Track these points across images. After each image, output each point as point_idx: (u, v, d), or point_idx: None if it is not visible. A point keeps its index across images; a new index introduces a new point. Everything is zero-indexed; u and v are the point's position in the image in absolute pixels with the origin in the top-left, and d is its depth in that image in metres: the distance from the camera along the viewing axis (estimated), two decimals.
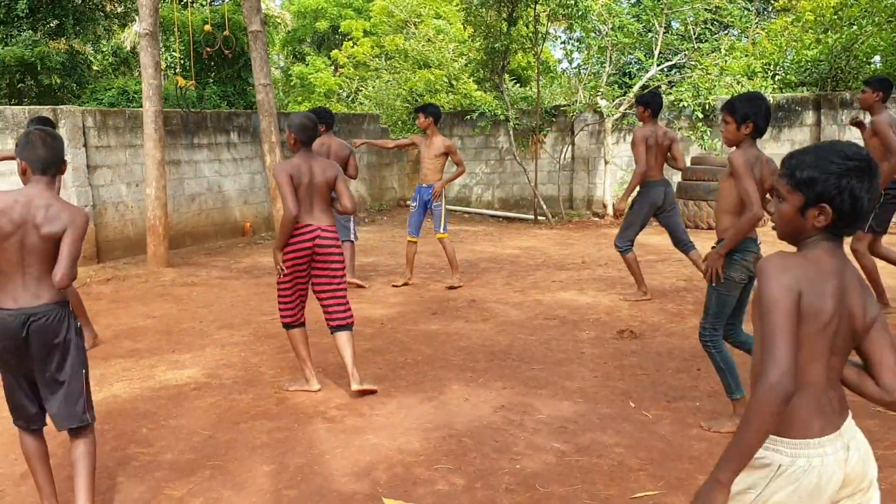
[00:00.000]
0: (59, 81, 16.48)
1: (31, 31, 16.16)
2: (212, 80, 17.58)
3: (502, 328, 6.71)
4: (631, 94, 14.21)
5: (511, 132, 15.08)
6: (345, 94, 25.10)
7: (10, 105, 13.46)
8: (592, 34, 14.88)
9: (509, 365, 5.67)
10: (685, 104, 13.69)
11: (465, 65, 17.35)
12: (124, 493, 3.76)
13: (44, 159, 3.27)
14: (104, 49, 20.59)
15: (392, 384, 5.31)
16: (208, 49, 13.82)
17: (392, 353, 6.06)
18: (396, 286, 8.58)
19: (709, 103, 13.50)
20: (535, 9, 13.93)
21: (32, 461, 3.41)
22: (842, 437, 1.98)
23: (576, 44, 16.72)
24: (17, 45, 15.44)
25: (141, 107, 10.74)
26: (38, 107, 10.33)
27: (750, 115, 4.11)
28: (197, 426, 4.62)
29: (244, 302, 8.08)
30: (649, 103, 7.40)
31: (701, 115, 13.53)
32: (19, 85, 16.53)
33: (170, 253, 10.37)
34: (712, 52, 14.30)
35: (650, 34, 14.82)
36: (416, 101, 18.53)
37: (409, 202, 8.63)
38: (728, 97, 11.47)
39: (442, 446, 4.22)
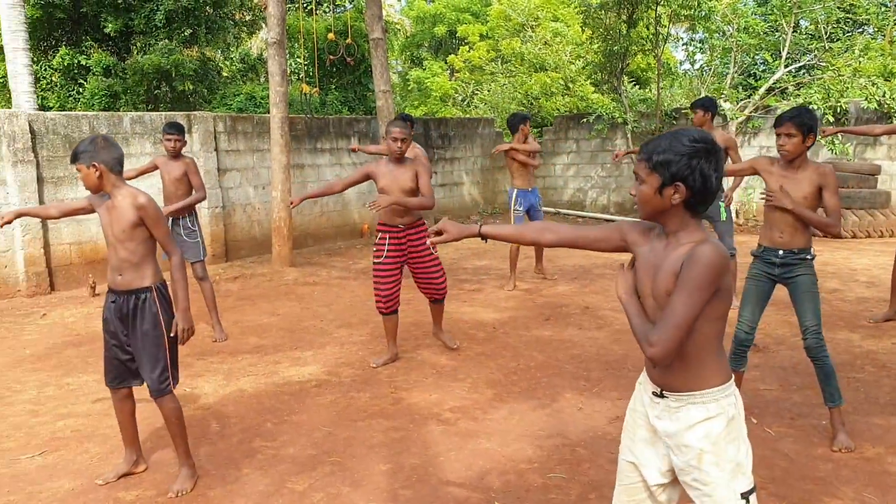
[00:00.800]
0: (191, 87, 17.36)
1: (167, 40, 17.09)
2: (333, 87, 18.12)
3: (617, 337, 6.62)
4: (756, 97, 13.70)
5: (629, 135, 14.83)
6: (460, 98, 25.33)
7: (148, 111, 14.34)
8: (716, 35, 14.44)
9: (625, 375, 5.59)
10: (815, 107, 13.08)
11: (583, 67, 17.19)
12: (250, 485, 3.95)
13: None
14: (233, 56, 21.57)
15: (504, 389, 5.35)
16: (331, 57, 14.27)
17: (504, 358, 6.10)
18: (509, 290, 8.64)
19: (840, 106, 12.84)
20: (655, 10, 13.65)
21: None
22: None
23: (698, 45, 16.27)
24: (154, 54, 16.38)
25: (267, 112, 11.22)
26: (173, 112, 10.95)
27: (814, 129, 4.05)
28: (317, 422, 4.81)
29: (362, 302, 8.31)
30: (709, 107, 7.32)
31: (832, 119, 12.89)
32: (156, 91, 17.52)
33: (293, 253, 10.78)
34: (845, 51, 13.60)
35: (777, 34, 14.24)
36: (532, 104, 18.53)
37: (517, 207, 8.70)
38: (858, 99, 10.83)
39: (555, 455, 4.22)
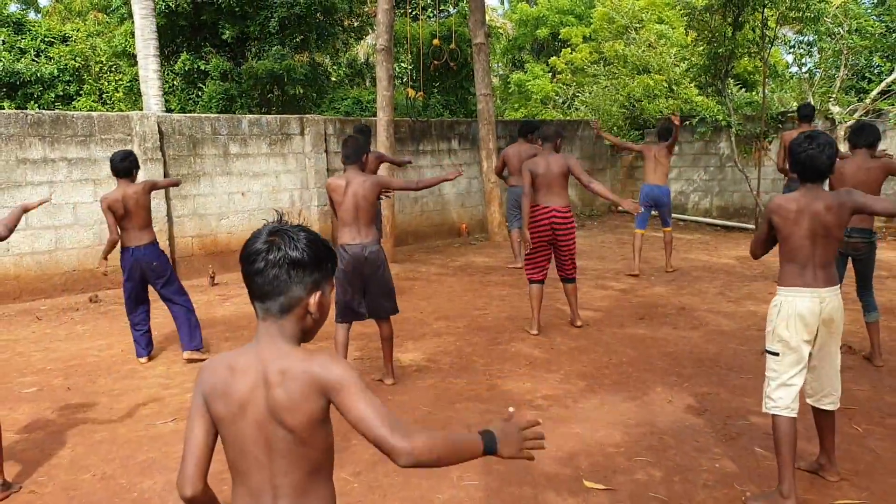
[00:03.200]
0: (301, 92, 18.17)
1: (280, 46, 17.97)
2: (436, 90, 18.60)
3: (712, 337, 6.71)
4: (867, 100, 13.30)
5: (733, 138, 14.64)
6: (560, 101, 25.39)
7: (261, 113, 15.15)
8: (826, 37, 14.07)
9: (717, 373, 5.70)
10: None
11: (686, 70, 17.03)
12: (357, 454, 4.33)
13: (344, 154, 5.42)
14: (341, 61, 22.40)
15: (596, 381, 5.56)
16: (435, 62, 14.70)
17: (596, 353, 6.30)
18: (632, 274, 9.52)
19: None
20: (762, 12, 13.43)
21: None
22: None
23: (806, 47, 15.86)
24: (267, 59, 17.26)
25: (373, 115, 11.72)
26: (285, 115, 11.60)
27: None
28: (418, 403, 5.16)
29: (459, 296, 8.64)
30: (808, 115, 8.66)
31: None
32: (269, 95, 18.43)
33: (395, 250, 11.24)
34: None
35: (894, 35, 13.76)
36: (633, 106, 18.46)
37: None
38: None
39: (642, 441, 4.42)
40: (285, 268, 1.82)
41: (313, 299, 1.87)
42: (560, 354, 6.28)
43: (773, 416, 3.59)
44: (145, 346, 6.34)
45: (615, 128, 18.97)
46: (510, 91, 29.20)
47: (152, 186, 6.30)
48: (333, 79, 21.88)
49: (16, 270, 8.83)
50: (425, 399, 5.24)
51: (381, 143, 10.89)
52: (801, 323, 3.57)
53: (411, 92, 12.86)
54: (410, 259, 11.40)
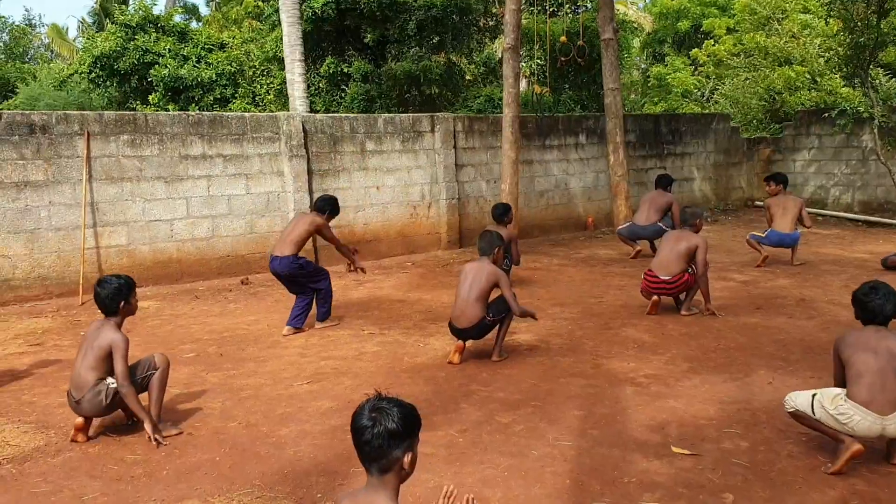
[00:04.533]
0: (437, 91, 18.90)
1: (417, 48, 18.76)
2: (567, 86, 18.81)
3: (827, 326, 6.70)
4: None
5: (876, 130, 14.03)
6: (699, 94, 24.89)
7: (399, 112, 15.93)
8: None
9: (824, 359, 5.74)
10: None
11: (826, 61, 16.43)
12: (466, 415, 4.79)
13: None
14: (476, 60, 22.99)
15: (700, 364, 5.76)
16: (563, 59, 14.96)
17: (706, 338, 6.47)
18: (760, 264, 9.66)
19: None
20: None
21: None
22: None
23: None
24: (406, 61, 18.08)
25: (501, 112, 12.13)
26: (417, 114, 12.25)
27: None
28: (525, 376, 5.57)
29: (577, 286, 8.95)
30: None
31: None
32: (406, 95, 19.27)
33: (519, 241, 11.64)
34: None
35: None
36: (774, 98, 17.96)
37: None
38: None
39: (735, 416, 4.63)
40: (386, 438, 2.35)
41: (407, 458, 2.42)
42: (669, 339, 6.50)
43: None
44: (295, 318, 7.11)
45: (754, 121, 18.53)
46: (650, 85, 28.83)
47: (319, 230, 7.47)
48: (468, 77, 22.49)
49: (178, 255, 9.91)
50: (532, 374, 5.64)
51: (506, 138, 11.31)
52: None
53: (537, 88, 13.19)
54: (534, 251, 11.76)
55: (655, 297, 7.24)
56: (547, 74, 17.71)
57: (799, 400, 4.00)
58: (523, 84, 19.50)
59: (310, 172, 10.75)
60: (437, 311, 7.82)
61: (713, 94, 23.65)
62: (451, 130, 12.11)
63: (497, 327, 6.04)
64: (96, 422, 4.71)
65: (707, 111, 21.35)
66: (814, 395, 3.95)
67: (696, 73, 25.79)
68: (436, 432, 4.51)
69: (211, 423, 4.82)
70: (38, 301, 8.80)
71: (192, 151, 9.92)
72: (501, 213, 8.55)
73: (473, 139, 12.46)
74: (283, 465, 4.14)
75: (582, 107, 18.54)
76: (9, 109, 22.74)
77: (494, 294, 6.00)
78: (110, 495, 3.83)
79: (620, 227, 11.30)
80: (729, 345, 6.25)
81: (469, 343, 6.12)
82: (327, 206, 7.46)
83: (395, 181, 11.67)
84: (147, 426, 4.44)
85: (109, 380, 4.48)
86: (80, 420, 4.52)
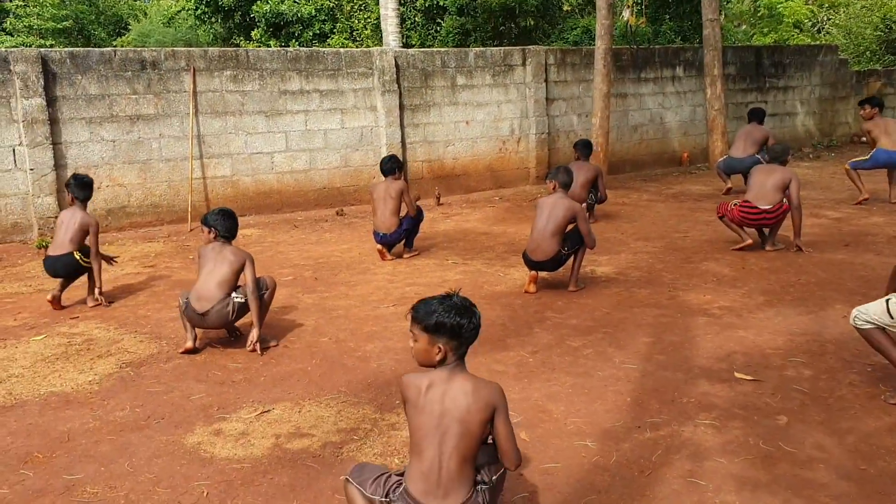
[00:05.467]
0: (532, 23, 18.70)
1: None
2: (668, 17, 18.26)
3: None
4: None
5: None
6: (811, 25, 23.69)
7: (494, 46, 15.92)
8: None
9: None
10: None
11: None
12: (538, 338, 5.06)
13: None
14: None
15: (777, 297, 5.81)
16: None
17: (787, 273, 6.47)
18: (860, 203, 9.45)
19: None
20: None
21: None
22: None
23: None
24: None
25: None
26: (508, 47, 12.27)
27: None
28: (599, 305, 5.77)
29: (664, 221, 8.98)
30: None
31: None
32: (501, 28, 19.15)
33: (608, 177, 11.65)
34: None
35: None
36: (890, 28, 16.99)
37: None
38: None
39: (803, 346, 4.72)
40: (478, 327, 2.70)
41: None
42: (749, 273, 6.54)
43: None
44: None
45: (867, 52, 17.61)
46: (759, 15, 27.55)
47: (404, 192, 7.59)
48: (566, 8, 22.07)
49: (278, 186, 10.45)
50: (607, 303, 5.83)
51: (598, 71, 11.24)
52: None
53: (632, 19, 12.94)
54: (624, 186, 11.75)
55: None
56: (646, 5, 17.26)
57: (872, 308, 3.88)
58: (626, 14, 19.05)
59: (401, 107, 11.02)
60: (520, 243, 8.04)
61: (825, 24, 22.47)
62: (542, 64, 12.10)
63: (572, 259, 6.23)
64: (199, 335, 5.23)
65: (813, 42, 20.34)
66: (888, 300, 3.83)
67: (809, 1, 24.49)
68: (508, 353, 4.81)
69: (304, 338, 5.26)
70: (151, 227, 9.52)
71: (290, 87, 10.34)
72: (584, 144, 8.72)
73: (565, 72, 12.42)
74: (366, 375, 4.52)
75: (683, 38, 17.99)
76: (122, 46, 23.89)
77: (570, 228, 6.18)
78: (214, 396, 4.31)
79: (719, 160, 11.13)
80: (809, 280, 6.24)
81: (546, 273, 6.35)
82: (397, 165, 7.69)
83: (485, 115, 11.82)
84: (255, 333, 4.92)
85: (234, 295, 4.98)
86: (189, 344, 5.00)
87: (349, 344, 5.12)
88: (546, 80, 12.15)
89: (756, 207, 7.13)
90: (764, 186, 7.14)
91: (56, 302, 6.10)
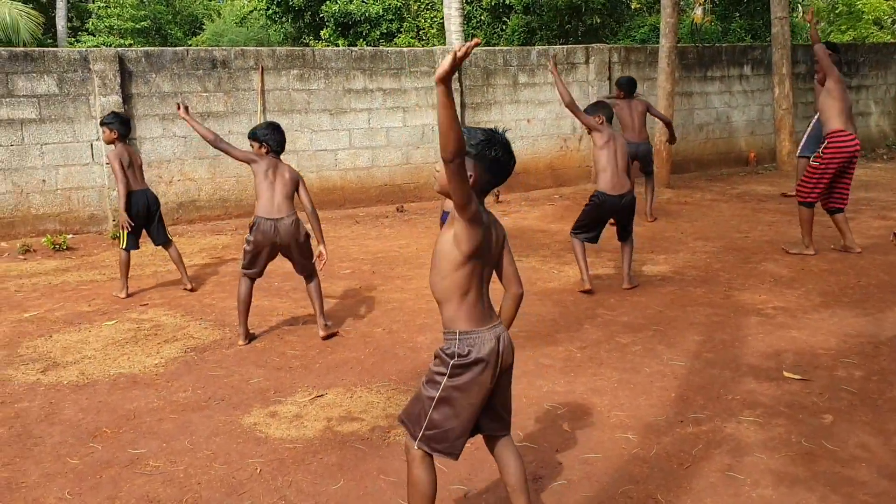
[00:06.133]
0: (599, 21, 18.60)
1: None
2: (738, 15, 17.93)
3: None
4: None
5: None
6: (890, 21, 22.89)
7: (560, 44, 15.90)
8: None
9: None
10: None
11: None
12: (587, 334, 5.12)
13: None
14: None
15: (834, 298, 5.73)
16: None
17: (846, 275, 6.36)
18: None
19: None
20: None
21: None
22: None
23: None
24: None
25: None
26: (571, 45, 12.25)
27: None
28: (652, 303, 5.78)
29: (725, 221, 8.88)
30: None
31: None
32: (567, 26, 19.10)
33: (671, 176, 11.55)
34: None
35: None
36: None
37: None
38: None
39: (856, 348, 4.66)
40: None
41: None
42: (808, 274, 6.45)
43: None
44: None
45: None
46: (838, 12, 26.76)
47: None
48: (634, 6, 21.86)
49: (341, 183, 10.69)
50: (660, 301, 5.84)
51: (662, 70, 11.15)
52: None
53: (697, 17, 12.77)
54: (688, 186, 11.63)
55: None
56: (715, 2, 16.98)
57: None
58: (699, 11, 18.76)
59: (462, 105, 11.14)
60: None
61: None
62: (606, 62, 12.05)
63: (626, 255, 6.24)
64: (255, 322, 5.44)
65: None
66: None
67: None
68: (556, 347, 4.88)
69: (359, 328, 5.43)
70: (219, 220, 9.87)
71: (354, 85, 10.57)
72: (628, 81, 9.12)
73: (630, 70, 12.34)
74: (416, 365, 4.66)
75: (753, 36, 17.64)
76: (196, 45, 24.66)
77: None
78: (272, 380, 4.51)
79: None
80: (870, 282, 6.13)
81: (600, 273, 6.38)
82: None
83: (546, 114, 11.85)
84: (323, 249, 5.12)
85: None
86: (241, 342, 5.19)
87: (402, 335, 5.26)
88: (609, 79, 12.09)
89: (853, 136, 6.87)
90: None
91: None
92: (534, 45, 17.23)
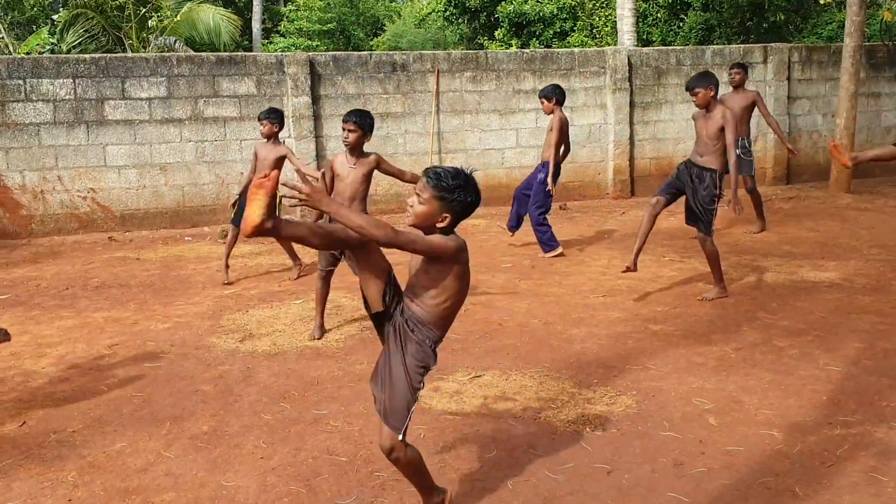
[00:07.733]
0: (783, 18, 17.82)
1: None
2: None
3: None
4: None
5: None
6: None
7: (740, 42, 15.46)
8: None
9: None
10: None
11: None
12: (744, 336, 5.17)
13: None
14: None
15: None
16: None
17: None
18: None
19: None
20: None
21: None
22: None
23: None
24: None
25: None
26: (751, 45, 11.92)
27: None
28: (815, 309, 5.70)
29: None
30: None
31: None
32: (748, 23, 18.44)
33: (853, 181, 11.01)
34: None
35: None
36: None
37: None
38: None
39: None
40: None
41: None
42: None
43: None
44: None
45: None
46: None
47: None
48: (822, 2, 20.72)
49: (506, 181, 11.04)
50: (823, 308, 5.74)
51: (845, 70, 10.65)
52: None
53: (887, 14, 12.04)
54: (870, 191, 11.05)
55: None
56: None
57: None
58: (891, 9, 17.56)
59: (631, 105, 11.19)
60: (742, 245, 7.99)
61: None
62: (785, 62, 11.67)
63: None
64: None
65: None
66: None
67: None
68: (711, 347, 4.98)
69: (517, 318, 5.76)
70: (393, 214, 10.52)
71: (523, 86, 10.91)
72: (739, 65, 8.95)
73: (811, 70, 11.87)
74: (569, 355, 4.92)
75: None
76: (377, 46, 25.94)
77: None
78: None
79: None
80: None
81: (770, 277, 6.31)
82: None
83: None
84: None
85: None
86: (317, 334, 5.51)
87: (557, 327, 5.54)
88: (788, 79, 11.69)
89: None
90: None
91: None
92: (712, 42, 16.81)
